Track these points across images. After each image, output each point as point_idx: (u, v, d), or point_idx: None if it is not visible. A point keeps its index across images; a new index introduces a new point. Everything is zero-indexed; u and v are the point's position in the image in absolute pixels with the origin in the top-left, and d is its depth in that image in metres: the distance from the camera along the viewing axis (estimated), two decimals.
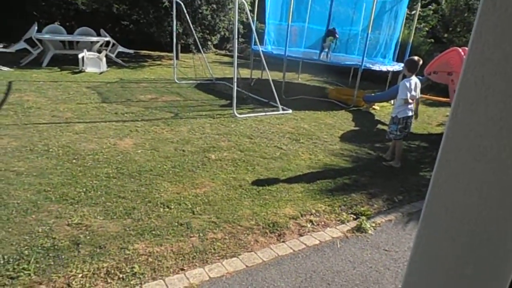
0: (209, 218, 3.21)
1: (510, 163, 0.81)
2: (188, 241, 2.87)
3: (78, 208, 3.18)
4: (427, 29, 13.91)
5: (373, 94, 8.50)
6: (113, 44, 10.95)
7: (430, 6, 14.07)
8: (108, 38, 10.71)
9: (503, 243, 0.84)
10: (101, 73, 9.35)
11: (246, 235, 3.03)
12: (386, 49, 9.77)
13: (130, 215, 3.15)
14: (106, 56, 10.14)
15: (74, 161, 4.09)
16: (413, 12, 9.96)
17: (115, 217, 3.10)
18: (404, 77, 4.87)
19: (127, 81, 8.76)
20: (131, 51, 11.79)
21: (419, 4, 10.15)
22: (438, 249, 0.97)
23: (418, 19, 11.88)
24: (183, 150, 4.69)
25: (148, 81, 9.10)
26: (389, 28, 9.75)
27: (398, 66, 9.10)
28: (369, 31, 8.07)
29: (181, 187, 3.73)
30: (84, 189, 3.50)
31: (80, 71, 9.16)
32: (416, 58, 4.74)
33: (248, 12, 6.98)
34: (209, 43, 14.48)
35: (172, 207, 3.34)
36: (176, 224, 3.09)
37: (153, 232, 2.94)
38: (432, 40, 13.07)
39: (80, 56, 9.29)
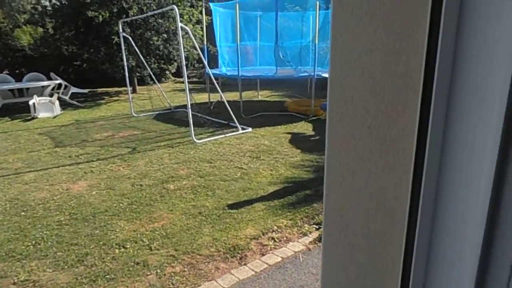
0: (167, 252, 3.09)
1: (384, 162, 0.80)
2: (144, 280, 2.74)
3: (26, 263, 2.98)
4: None
5: None
6: (66, 86, 10.71)
7: None
8: (59, 81, 10.47)
9: (389, 242, 0.82)
10: (55, 117, 9.08)
11: (206, 263, 2.93)
12: None
13: (82, 262, 2.98)
14: (59, 99, 9.89)
15: (23, 213, 3.87)
16: None
17: (66, 267, 2.92)
18: None
19: (82, 122, 8.54)
20: (85, 90, 11.56)
21: None
22: (342, 256, 0.94)
23: None
24: (141, 185, 4.55)
25: (105, 118, 8.90)
26: None
27: None
28: (316, 42, 8.29)
29: (138, 224, 3.59)
30: (33, 242, 3.30)
31: (33, 118, 8.86)
32: None
33: (192, 37, 7.01)
34: (167, 72, 14.48)
35: (128, 246, 3.20)
36: (132, 263, 2.94)
37: (107, 276, 2.79)
38: None
39: (30, 102, 9.00)
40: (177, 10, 5.83)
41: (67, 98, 10.56)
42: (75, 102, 10.74)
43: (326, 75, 8.62)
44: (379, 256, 0.84)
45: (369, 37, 0.75)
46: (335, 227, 0.93)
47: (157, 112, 9.37)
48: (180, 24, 5.85)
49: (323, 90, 9.56)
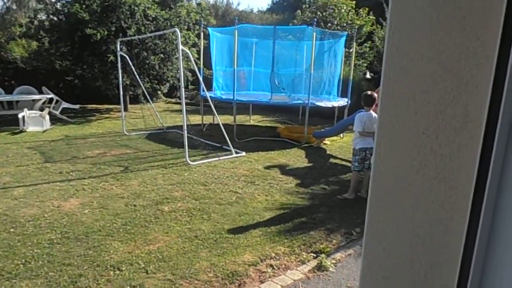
0: (164, 276, 3.02)
1: (433, 197, 0.83)
2: None
3: (16, 283, 2.86)
4: (365, 64, 14.94)
5: (322, 130, 8.79)
6: (57, 101, 10.61)
7: (366, 44, 15.21)
8: (51, 95, 10.38)
9: (436, 277, 0.84)
10: (44, 131, 8.93)
11: None
12: (330, 86, 10.28)
13: (76, 284, 2.88)
14: (50, 113, 9.76)
15: (12, 230, 3.74)
16: (351, 50, 10.68)
17: None
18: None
19: (73, 138, 8.42)
20: (77, 106, 11.46)
21: (355, 42, 10.92)
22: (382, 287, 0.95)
23: (356, 56, 12.76)
24: (135, 205, 4.47)
25: (96, 135, 8.80)
26: (330, 66, 10.33)
27: (343, 102, 9.56)
28: (312, 71, 8.49)
29: (133, 245, 3.51)
30: (23, 260, 3.18)
31: (21, 131, 8.70)
32: (369, 92, 4.98)
33: (192, 60, 7.11)
34: (159, 92, 14.50)
35: (124, 268, 3.11)
36: (128, 287, 2.86)
37: None
38: (372, 75, 13.98)
39: (20, 115, 8.86)
40: (179, 33, 5.93)
41: (57, 113, 10.43)
42: (66, 118, 10.61)
43: (319, 103, 8.79)
44: None
45: (425, 80, 0.79)
46: (376, 259, 0.94)
47: (149, 132, 9.33)
48: (181, 47, 5.94)
49: (314, 117, 9.72)
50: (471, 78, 0.72)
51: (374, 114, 4.76)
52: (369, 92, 4.96)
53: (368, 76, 12.82)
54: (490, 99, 0.68)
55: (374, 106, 4.81)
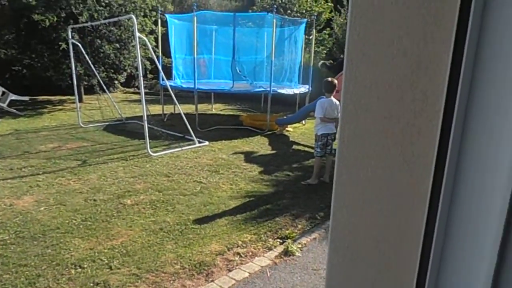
0: (129, 271, 2.94)
1: (397, 180, 0.85)
2: None
3: None
4: (325, 51, 15.17)
5: (285, 117, 8.87)
6: (3, 93, 9.91)
7: (325, 31, 15.41)
8: None
9: (401, 258, 0.87)
10: None
11: (171, 282, 2.83)
12: (291, 73, 10.37)
13: (34, 285, 2.74)
14: None
15: None
16: (310, 37, 10.79)
17: None
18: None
19: (23, 132, 7.93)
20: (26, 98, 10.78)
21: (315, 29, 11.04)
22: (349, 271, 0.97)
23: (316, 43, 12.92)
24: (95, 200, 4.31)
25: (49, 129, 8.35)
26: (291, 53, 10.40)
27: (304, 88, 9.68)
28: (273, 58, 8.50)
29: (95, 242, 3.39)
30: None
31: None
32: (329, 79, 5.04)
33: (151, 48, 6.88)
34: (116, 82, 13.98)
35: (86, 265, 3.00)
36: (91, 284, 2.77)
37: None
38: (331, 61, 14.25)
39: None
40: (135, 20, 5.69)
41: (4, 105, 9.76)
42: (14, 110, 9.95)
43: (281, 91, 8.85)
44: (390, 271, 0.88)
45: (386, 65, 0.80)
46: (342, 243, 0.96)
47: (107, 123, 8.98)
48: (138, 34, 5.71)
49: (276, 105, 9.78)
50: (429, 63, 0.74)
51: (334, 100, 4.86)
52: (329, 79, 5.04)
53: (327, 63, 13.04)
54: (448, 84, 0.70)
55: (334, 93, 4.91)
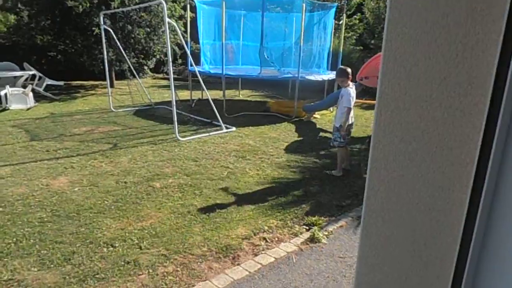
0: (158, 251, 3.03)
1: (436, 166, 0.81)
2: (137, 280, 2.68)
3: (8, 262, 2.84)
4: (355, 37, 14.79)
5: (312, 104, 8.76)
6: (40, 77, 10.29)
7: (355, 16, 14.99)
8: (33, 72, 10.05)
9: (437, 245, 0.84)
10: (28, 109, 8.71)
11: (199, 263, 2.90)
12: (320, 59, 10.18)
13: (69, 261, 2.87)
14: (33, 90, 9.49)
15: (0, 209, 3.69)
16: (340, 22, 10.52)
17: (52, 265, 2.81)
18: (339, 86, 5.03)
19: (59, 115, 8.24)
20: (61, 82, 11.16)
21: (345, 14, 10.75)
22: (381, 257, 0.95)
23: (346, 29, 12.60)
24: (125, 182, 4.44)
25: (82, 112, 8.63)
26: (320, 39, 10.19)
27: (333, 75, 9.49)
28: (301, 44, 8.36)
29: (126, 222, 3.50)
30: (14, 239, 3.15)
31: (4, 109, 8.46)
32: (343, 67, 4.93)
33: (180, 34, 6.91)
34: (145, 67, 14.21)
35: (117, 245, 3.11)
36: (122, 263, 2.87)
37: (97, 276, 2.70)
38: (361, 47, 13.88)
39: (2, 93, 8.59)
40: (165, 5, 5.73)
41: (41, 90, 10.15)
42: (50, 95, 10.34)
43: (309, 77, 8.72)
44: (426, 261, 0.85)
45: (429, 45, 0.76)
46: (375, 229, 0.94)
47: (137, 108, 9.17)
48: (167, 19, 5.75)
49: (303, 91, 9.66)
50: (476, 42, 0.69)
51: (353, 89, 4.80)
52: (343, 67, 4.92)
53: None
54: (498, 64, 0.66)
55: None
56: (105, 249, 3.04)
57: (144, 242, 3.15)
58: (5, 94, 8.59)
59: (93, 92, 11.98)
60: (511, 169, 0.66)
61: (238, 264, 2.89)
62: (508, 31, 0.64)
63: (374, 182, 0.90)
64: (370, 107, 9.93)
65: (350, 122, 4.80)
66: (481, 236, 0.74)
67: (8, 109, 8.52)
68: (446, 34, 0.72)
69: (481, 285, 0.75)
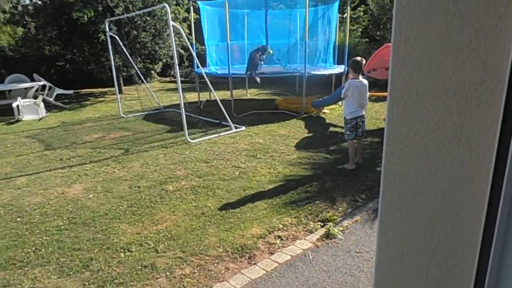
0: (175, 254, 3.04)
1: (453, 157, 0.79)
2: (154, 283, 2.69)
3: (29, 271, 2.89)
4: (360, 29, 14.63)
5: (320, 99, 8.70)
6: (50, 87, 10.45)
7: (359, 8, 14.83)
8: (43, 82, 10.21)
9: (458, 238, 0.81)
10: (40, 119, 8.84)
11: (215, 264, 2.90)
12: (326, 53, 10.11)
13: (88, 268, 2.91)
14: (44, 100, 9.63)
15: (18, 219, 3.75)
16: (345, 15, 10.43)
17: (71, 272, 2.85)
18: (348, 78, 4.98)
19: (70, 124, 8.34)
20: (71, 91, 11.31)
21: (349, 7, 10.65)
22: (400, 253, 0.93)
23: (350, 21, 12.48)
24: (138, 187, 4.47)
25: (92, 120, 8.72)
26: (324, 33, 10.12)
27: (340, 68, 9.42)
28: (307, 39, 8.31)
29: (141, 226, 3.53)
30: (33, 248, 3.20)
31: (17, 121, 8.61)
32: (358, 58, 4.83)
33: (184, 36, 6.94)
34: (152, 71, 14.29)
35: (134, 249, 3.14)
36: (140, 267, 2.89)
37: (116, 281, 2.73)
38: (367, 39, 13.73)
39: (14, 105, 8.74)
40: (168, 8, 5.75)
41: (51, 99, 10.30)
42: (60, 104, 10.48)
43: (316, 72, 8.66)
44: (447, 256, 0.83)
45: (440, 33, 0.74)
46: (392, 224, 0.92)
47: (146, 113, 9.24)
48: (172, 23, 5.77)
49: (311, 87, 9.61)
50: (490, 28, 0.67)
51: (365, 82, 4.75)
52: (358, 58, 4.81)
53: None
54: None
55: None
56: (122, 254, 3.07)
57: (160, 246, 3.17)
58: (17, 106, 8.74)
59: (102, 99, 12.11)
60: None
61: (255, 264, 2.89)
62: None
63: (389, 176, 0.88)
64: (379, 100, 9.82)
65: (356, 115, 4.74)
66: (504, 226, 0.72)
67: (21, 120, 8.67)
68: (457, 21, 0.70)
69: (506, 278, 0.73)
